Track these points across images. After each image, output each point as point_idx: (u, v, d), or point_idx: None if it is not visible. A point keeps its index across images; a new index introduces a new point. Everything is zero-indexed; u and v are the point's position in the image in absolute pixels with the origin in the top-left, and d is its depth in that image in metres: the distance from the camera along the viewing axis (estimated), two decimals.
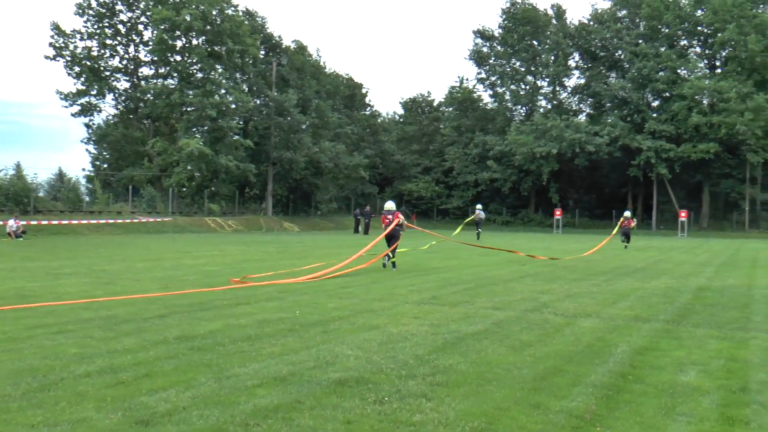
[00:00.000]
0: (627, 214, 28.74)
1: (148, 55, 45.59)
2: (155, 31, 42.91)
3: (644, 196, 57.01)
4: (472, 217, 35.06)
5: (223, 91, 43.68)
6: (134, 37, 46.02)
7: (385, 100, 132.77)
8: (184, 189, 44.72)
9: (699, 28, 52.89)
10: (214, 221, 41.59)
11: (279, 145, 49.23)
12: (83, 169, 79.48)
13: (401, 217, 15.88)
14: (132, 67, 46.70)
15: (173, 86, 44.10)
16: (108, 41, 44.81)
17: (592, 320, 8.49)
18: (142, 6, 44.56)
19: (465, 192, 60.14)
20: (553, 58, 58.27)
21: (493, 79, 61.68)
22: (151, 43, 44.20)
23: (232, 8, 46.12)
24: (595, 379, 5.47)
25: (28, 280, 12.12)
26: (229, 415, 4.35)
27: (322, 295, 10.63)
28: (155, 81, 45.62)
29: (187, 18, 41.36)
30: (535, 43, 59.76)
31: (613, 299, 10.57)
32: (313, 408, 4.55)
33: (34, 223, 29.94)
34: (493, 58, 61.65)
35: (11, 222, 26.39)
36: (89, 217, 35.16)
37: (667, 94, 52.85)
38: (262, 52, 51.87)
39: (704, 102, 50.00)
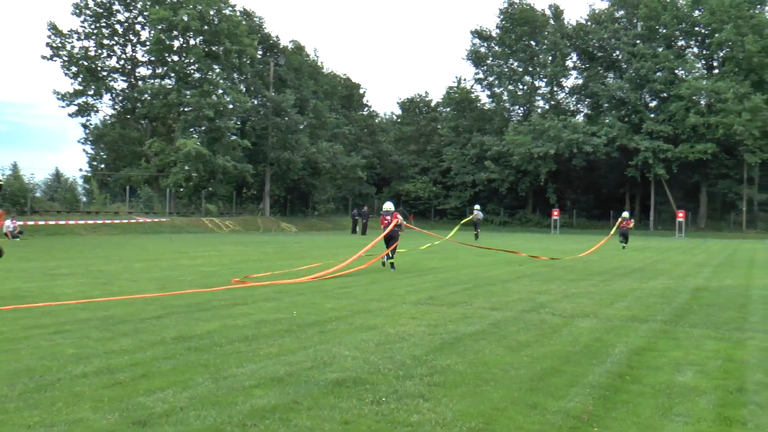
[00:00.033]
0: (625, 214, 28.74)
1: (146, 55, 45.51)
2: (152, 31, 42.83)
3: (642, 197, 57.02)
4: (470, 217, 35.06)
5: (220, 91, 43.65)
6: (131, 37, 45.90)
7: (383, 101, 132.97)
8: (182, 189, 44.64)
9: (696, 28, 52.99)
10: (211, 221, 41.54)
11: (276, 145, 49.19)
12: (80, 170, 79.40)
13: (400, 217, 15.89)
14: (129, 67, 46.62)
15: (170, 86, 44.01)
16: (105, 41, 44.69)
17: (590, 321, 8.50)
18: (139, 6, 44.46)
19: (462, 192, 60.10)
20: (550, 58, 58.25)
21: (491, 79, 61.70)
22: (148, 43, 44.10)
23: (230, 8, 46.12)
24: (592, 379, 5.47)
25: (25, 281, 12.08)
26: (226, 416, 4.35)
27: (319, 295, 10.62)
28: (152, 81, 45.58)
29: (185, 18, 41.29)
30: (532, 43, 59.77)
31: (611, 300, 10.58)
32: (311, 408, 4.55)
33: (31, 223, 29.85)
34: (490, 59, 61.65)
35: (8, 222, 26.33)
36: (86, 218, 35.10)
37: (665, 95, 52.90)
38: (260, 53, 51.84)
39: (702, 102, 50.07)
